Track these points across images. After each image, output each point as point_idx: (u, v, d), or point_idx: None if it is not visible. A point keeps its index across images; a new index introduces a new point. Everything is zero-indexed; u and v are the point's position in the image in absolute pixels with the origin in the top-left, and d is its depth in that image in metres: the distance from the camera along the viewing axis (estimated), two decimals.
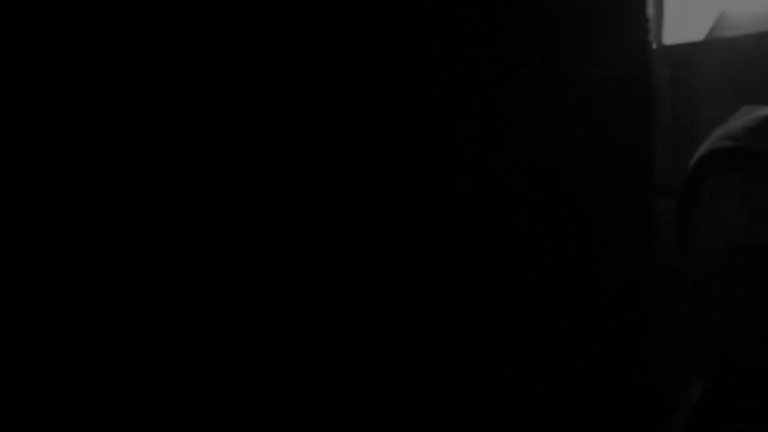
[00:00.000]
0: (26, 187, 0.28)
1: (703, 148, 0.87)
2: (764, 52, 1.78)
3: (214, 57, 0.31)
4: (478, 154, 0.30)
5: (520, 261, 0.32)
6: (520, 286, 0.31)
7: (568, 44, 0.33)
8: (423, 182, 0.31)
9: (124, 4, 0.31)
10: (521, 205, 0.31)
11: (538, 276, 0.32)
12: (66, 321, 0.30)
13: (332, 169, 0.32)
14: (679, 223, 0.89)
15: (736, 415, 0.83)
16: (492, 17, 0.30)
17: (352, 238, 0.32)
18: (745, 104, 1.01)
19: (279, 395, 0.31)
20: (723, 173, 0.83)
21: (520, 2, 0.31)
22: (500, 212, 0.31)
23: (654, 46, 1.82)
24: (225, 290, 0.31)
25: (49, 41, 0.29)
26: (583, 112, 0.33)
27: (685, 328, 0.85)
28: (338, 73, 0.31)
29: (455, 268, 0.31)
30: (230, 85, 0.32)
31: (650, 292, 0.37)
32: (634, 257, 0.35)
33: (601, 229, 0.34)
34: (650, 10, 0.37)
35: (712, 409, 0.83)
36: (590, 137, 0.33)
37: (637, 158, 0.36)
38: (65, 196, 0.29)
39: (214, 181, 0.31)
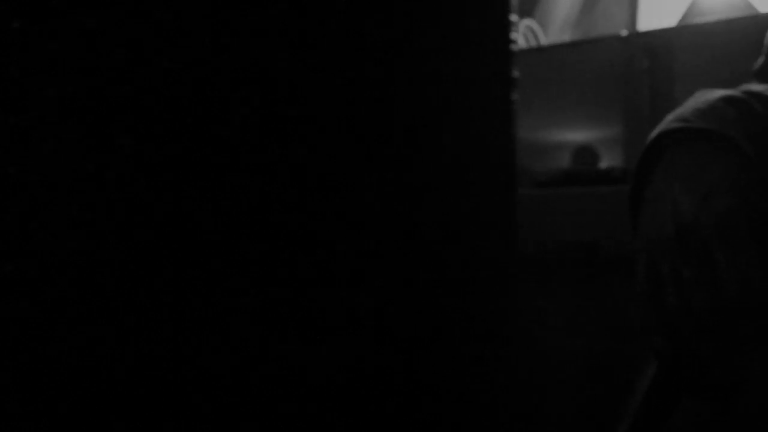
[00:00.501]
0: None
1: (655, 131, 0.88)
2: (738, 38, 1.79)
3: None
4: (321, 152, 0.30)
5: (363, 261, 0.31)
6: (362, 288, 0.31)
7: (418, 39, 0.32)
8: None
9: None
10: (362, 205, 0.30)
11: (383, 276, 0.31)
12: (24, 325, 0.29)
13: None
14: (632, 206, 0.89)
15: (688, 394, 0.83)
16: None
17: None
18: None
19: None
20: (673, 154, 0.84)
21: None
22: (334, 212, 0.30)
23: (626, 32, 1.82)
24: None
25: None
26: (431, 107, 0.33)
27: (639, 310, 0.86)
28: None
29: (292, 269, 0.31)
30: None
31: (517, 288, 0.36)
32: (494, 254, 0.34)
33: (455, 228, 0.33)
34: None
35: (665, 389, 0.84)
36: (440, 132, 0.33)
37: (497, 153, 0.35)
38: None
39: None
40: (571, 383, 1.01)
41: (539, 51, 1.83)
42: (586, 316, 1.02)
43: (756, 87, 1.02)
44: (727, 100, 0.91)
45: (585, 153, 1.96)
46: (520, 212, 1.40)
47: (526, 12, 1.94)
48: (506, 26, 0.35)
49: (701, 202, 0.78)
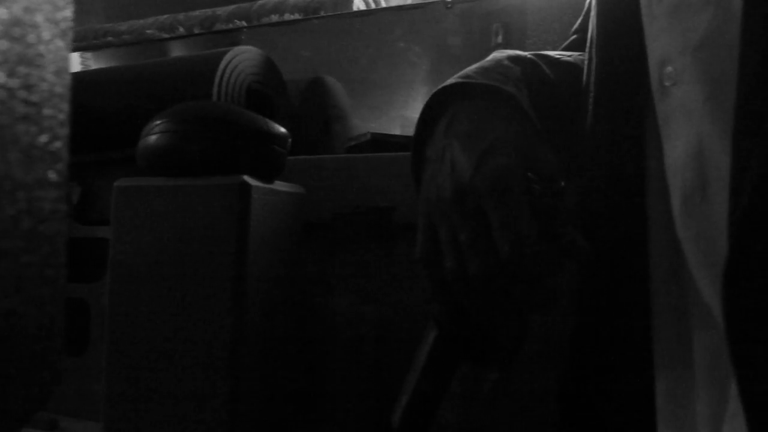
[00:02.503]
0: None
1: (437, 88, 0.83)
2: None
3: None
4: None
5: None
6: None
7: None
8: None
9: None
10: None
11: None
12: None
13: None
14: (414, 167, 0.85)
15: (466, 359, 0.80)
16: None
17: None
18: None
19: None
20: (453, 111, 0.80)
21: None
22: None
23: None
24: None
25: None
26: None
27: (421, 276, 0.82)
28: None
29: None
30: None
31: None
32: None
33: None
34: None
35: (444, 357, 0.80)
36: None
37: None
38: None
39: None
40: (360, 351, 0.96)
41: (366, 14, 1.76)
42: (377, 283, 0.98)
43: (551, 51, 1.01)
44: (514, 59, 0.88)
45: None
46: (323, 177, 1.34)
47: None
48: None
49: (478, 161, 0.74)
